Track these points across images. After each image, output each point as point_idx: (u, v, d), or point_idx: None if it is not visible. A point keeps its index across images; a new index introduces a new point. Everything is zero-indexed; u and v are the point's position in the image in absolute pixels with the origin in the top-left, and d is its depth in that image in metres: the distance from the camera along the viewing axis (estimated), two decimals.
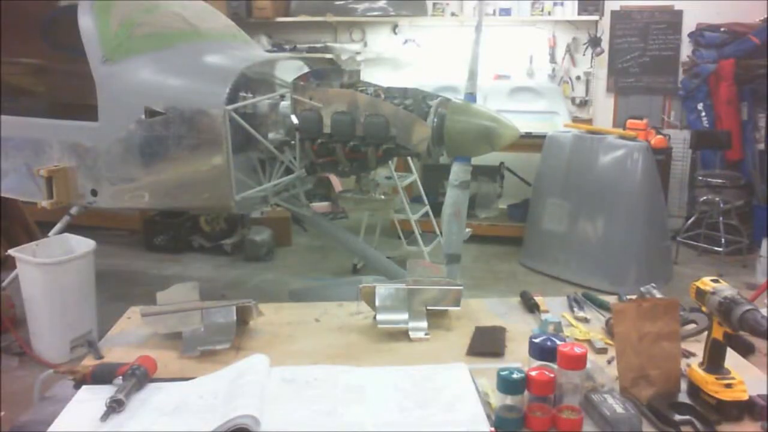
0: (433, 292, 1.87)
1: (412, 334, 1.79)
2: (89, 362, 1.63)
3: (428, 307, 1.86)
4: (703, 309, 1.48)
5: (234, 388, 1.40)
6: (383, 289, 1.84)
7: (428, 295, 1.86)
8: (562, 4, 6.29)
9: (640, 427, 1.33)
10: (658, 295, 1.83)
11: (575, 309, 1.96)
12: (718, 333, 1.44)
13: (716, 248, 5.51)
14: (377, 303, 1.83)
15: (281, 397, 1.41)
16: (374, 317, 1.84)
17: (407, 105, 3.40)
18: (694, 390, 1.46)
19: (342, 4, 6.63)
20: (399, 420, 1.35)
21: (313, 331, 1.85)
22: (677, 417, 1.34)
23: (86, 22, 3.69)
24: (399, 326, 1.80)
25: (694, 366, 1.48)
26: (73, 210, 3.96)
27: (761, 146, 5.87)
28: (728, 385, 1.40)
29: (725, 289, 1.45)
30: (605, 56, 6.39)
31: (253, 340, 1.79)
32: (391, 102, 3.39)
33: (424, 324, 1.82)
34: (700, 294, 1.48)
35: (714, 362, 1.45)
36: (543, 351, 1.44)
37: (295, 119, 3.48)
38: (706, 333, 1.50)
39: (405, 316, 1.82)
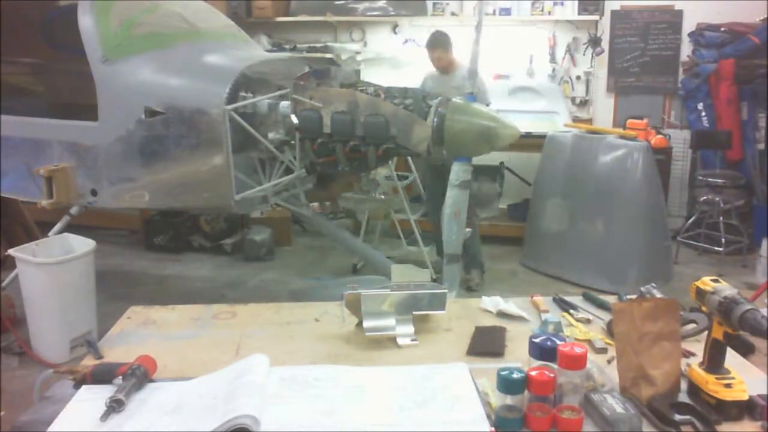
0: (418, 297, 1.83)
1: (399, 341, 1.76)
2: (89, 362, 1.63)
3: (414, 312, 1.82)
4: (703, 309, 1.48)
5: (234, 388, 1.40)
6: (368, 295, 1.79)
7: (413, 299, 1.82)
8: (562, 4, 6.28)
9: (640, 427, 1.33)
10: (658, 295, 1.82)
11: (571, 311, 1.96)
12: (718, 333, 1.44)
13: (716, 248, 5.51)
14: (363, 309, 1.78)
15: (281, 397, 1.41)
16: (356, 324, 1.83)
17: (407, 105, 3.40)
18: (694, 390, 1.46)
19: (342, 3, 6.63)
20: (399, 420, 1.35)
21: (313, 331, 1.85)
22: (677, 417, 1.34)
23: (86, 21, 3.69)
24: (386, 333, 1.77)
25: (694, 366, 1.48)
26: (73, 210, 3.95)
27: (761, 146, 5.86)
28: (728, 385, 1.40)
29: (725, 289, 1.45)
30: (605, 56, 6.39)
31: (253, 340, 1.78)
32: (391, 102, 3.39)
33: (410, 329, 1.79)
34: (700, 294, 1.48)
35: (714, 362, 1.45)
36: (543, 351, 1.44)
37: (295, 119, 3.48)
38: (706, 333, 1.50)
39: (392, 321, 1.78)
